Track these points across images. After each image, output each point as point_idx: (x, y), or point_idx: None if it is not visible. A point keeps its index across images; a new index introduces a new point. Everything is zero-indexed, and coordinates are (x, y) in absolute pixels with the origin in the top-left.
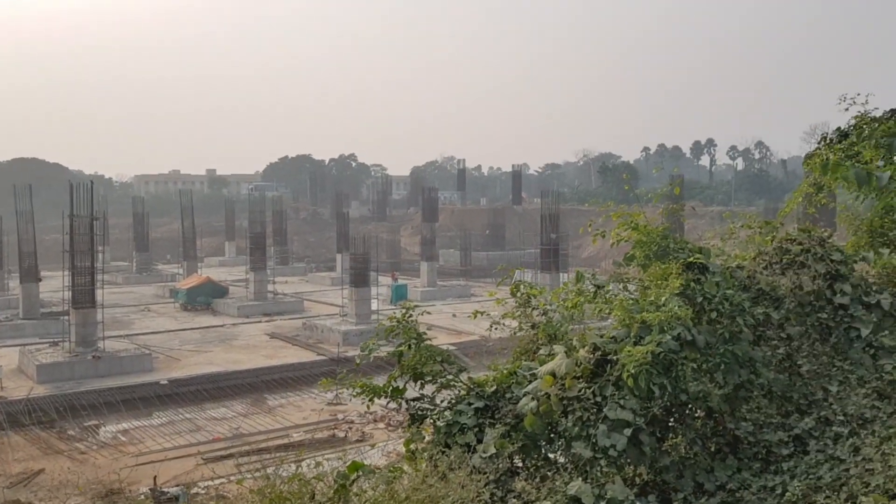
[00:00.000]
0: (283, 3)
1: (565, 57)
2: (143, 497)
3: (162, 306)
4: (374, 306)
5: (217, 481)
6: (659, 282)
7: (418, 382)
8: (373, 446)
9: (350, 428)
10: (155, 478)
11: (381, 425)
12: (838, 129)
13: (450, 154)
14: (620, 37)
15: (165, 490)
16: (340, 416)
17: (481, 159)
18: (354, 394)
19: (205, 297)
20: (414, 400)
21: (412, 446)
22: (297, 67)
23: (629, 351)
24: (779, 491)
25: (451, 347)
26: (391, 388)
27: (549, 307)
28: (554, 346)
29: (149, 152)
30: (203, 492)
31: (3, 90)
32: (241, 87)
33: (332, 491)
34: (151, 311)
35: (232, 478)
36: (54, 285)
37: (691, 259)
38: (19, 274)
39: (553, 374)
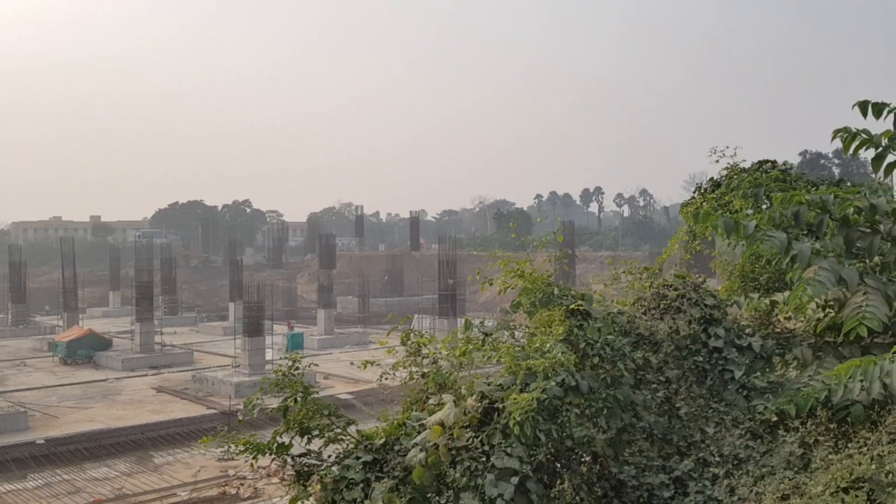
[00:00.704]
0: (165, 40)
1: (462, 106)
2: None
3: (39, 360)
4: (268, 356)
5: None
6: (544, 328)
7: (305, 437)
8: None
9: (242, 484)
10: None
11: (275, 480)
12: (711, 179)
13: (347, 200)
14: (512, 87)
15: None
16: (232, 472)
17: (379, 205)
18: (238, 452)
19: (86, 350)
20: (300, 456)
21: None
22: (187, 109)
23: (515, 398)
24: None
25: (349, 396)
26: (276, 444)
27: (438, 355)
28: (443, 396)
29: (28, 198)
30: None
31: None
32: (127, 130)
33: None
34: (28, 365)
35: None
36: None
37: (573, 306)
38: None
39: (442, 424)
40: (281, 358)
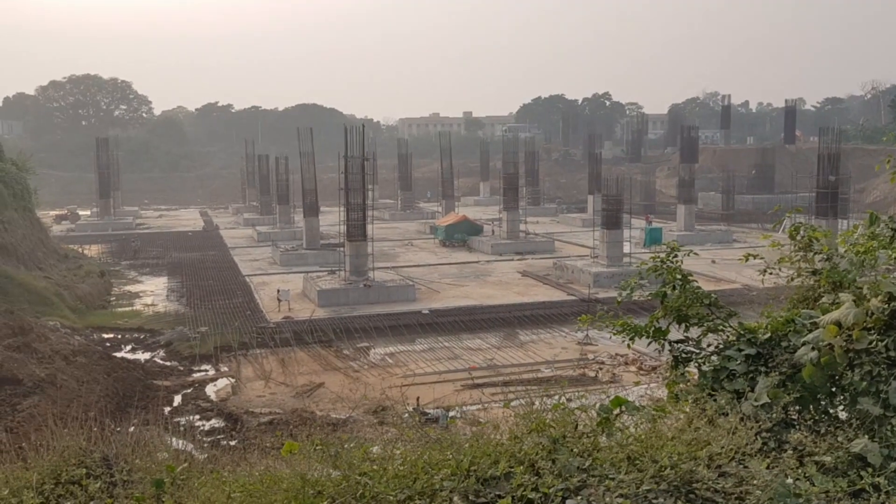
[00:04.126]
0: None
1: None
2: (407, 416)
3: (423, 241)
4: (626, 249)
5: (474, 407)
6: None
7: (682, 325)
8: (638, 383)
9: (600, 368)
10: (418, 398)
11: (633, 368)
12: None
13: (713, 90)
14: None
15: (427, 411)
16: (591, 356)
17: (749, 94)
18: (615, 332)
19: (461, 235)
20: (678, 342)
21: (675, 389)
22: (551, 7)
23: None
24: None
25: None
26: (653, 328)
27: (833, 252)
28: (840, 295)
29: (412, 97)
30: (460, 416)
31: (290, 45)
32: (496, 30)
33: (594, 423)
34: (414, 245)
35: (487, 405)
36: (331, 220)
37: None
38: (303, 209)
39: (838, 324)
40: (642, 251)
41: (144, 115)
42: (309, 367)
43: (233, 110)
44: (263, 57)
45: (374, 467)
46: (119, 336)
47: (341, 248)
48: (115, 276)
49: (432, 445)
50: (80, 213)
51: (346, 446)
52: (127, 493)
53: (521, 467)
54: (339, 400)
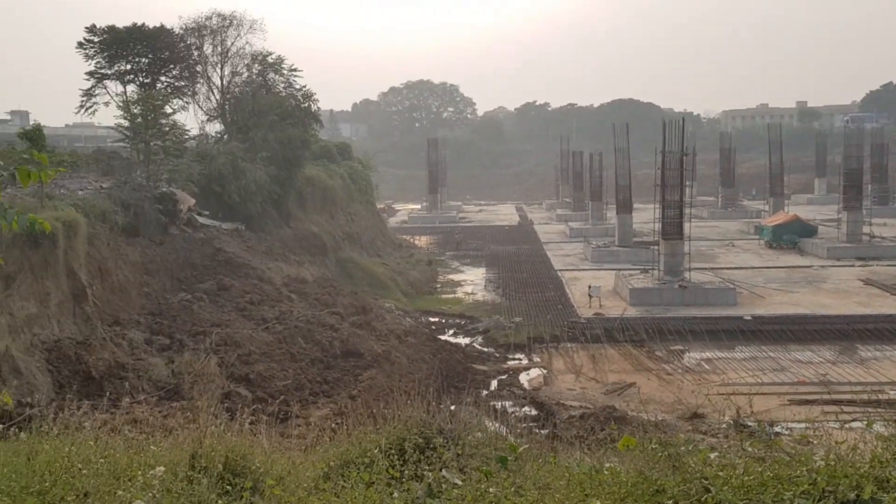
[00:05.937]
0: None
1: None
2: (725, 426)
3: (746, 242)
4: None
5: (803, 424)
6: None
7: None
8: None
9: None
10: (738, 409)
11: None
12: None
13: None
14: None
15: (747, 423)
16: None
17: None
18: None
19: (791, 236)
20: None
21: None
22: None
23: None
24: None
25: None
26: None
27: None
28: None
29: (737, 87)
30: (786, 433)
31: (609, 42)
32: (837, 8)
33: None
34: (735, 246)
35: (817, 424)
36: (645, 217)
37: None
38: (616, 205)
39: None
40: None
41: (469, 116)
42: (619, 365)
43: (549, 108)
44: (579, 55)
45: (720, 474)
46: (443, 320)
47: (655, 247)
48: (440, 265)
49: (779, 460)
50: (399, 207)
51: (682, 449)
52: (463, 465)
53: (891, 495)
54: (650, 401)
